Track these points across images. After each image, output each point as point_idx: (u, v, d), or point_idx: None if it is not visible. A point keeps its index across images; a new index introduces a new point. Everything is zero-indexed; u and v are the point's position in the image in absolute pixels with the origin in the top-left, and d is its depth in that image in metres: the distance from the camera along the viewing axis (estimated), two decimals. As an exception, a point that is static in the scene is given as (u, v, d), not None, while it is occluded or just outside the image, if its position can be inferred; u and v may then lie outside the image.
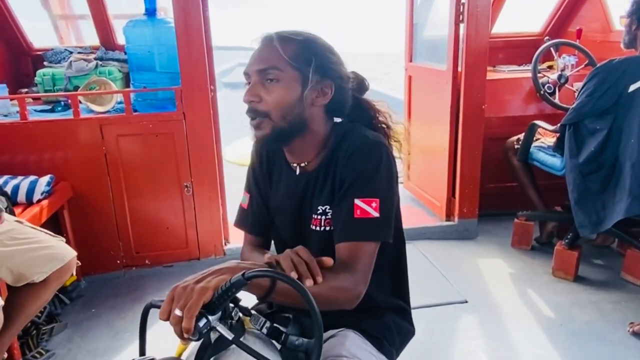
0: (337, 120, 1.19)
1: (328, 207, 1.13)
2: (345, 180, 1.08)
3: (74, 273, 2.03)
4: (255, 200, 1.28)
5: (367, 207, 1.04)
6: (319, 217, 1.14)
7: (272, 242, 1.34)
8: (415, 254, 2.95)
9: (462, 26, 2.85)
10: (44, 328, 2.25)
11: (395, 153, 1.19)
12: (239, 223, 1.32)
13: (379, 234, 1.06)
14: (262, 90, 1.07)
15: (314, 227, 1.16)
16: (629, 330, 2.19)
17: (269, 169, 1.26)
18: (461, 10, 2.82)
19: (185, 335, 0.80)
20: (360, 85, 1.23)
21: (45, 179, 2.37)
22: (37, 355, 2.12)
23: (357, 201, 1.05)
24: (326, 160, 1.15)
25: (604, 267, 2.78)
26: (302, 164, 1.19)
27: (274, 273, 0.84)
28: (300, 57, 1.07)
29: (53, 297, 2.24)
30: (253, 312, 0.92)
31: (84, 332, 2.33)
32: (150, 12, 2.67)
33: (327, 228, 1.14)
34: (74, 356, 2.16)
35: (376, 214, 1.04)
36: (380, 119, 1.24)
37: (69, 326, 2.36)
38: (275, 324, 0.93)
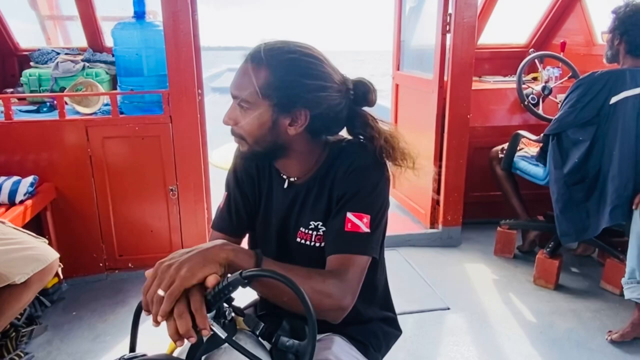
0: (330, 137, 1.16)
1: (321, 223, 1.13)
2: (343, 196, 1.08)
3: (60, 275, 2.01)
4: (234, 201, 1.22)
5: (358, 222, 1.05)
6: (310, 232, 1.14)
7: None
8: (399, 260, 2.96)
9: (448, 36, 2.89)
10: (23, 330, 2.21)
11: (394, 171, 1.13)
12: (218, 228, 1.23)
13: (368, 249, 1.05)
14: (238, 115, 1.06)
15: (300, 240, 1.15)
16: (607, 339, 2.22)
17: (258, 176, 1.22)
18: (448, 20, 2.86)
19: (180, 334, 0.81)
20: (364, 96, 1.12)
21: (29, 179, 2.35)
22: (16, 358, 2.09)
23: (349, 214, 1.05)
24: (320, 175, 1.14)
25: (584, 276, 2.82)
26: (292, 178, 1.17)
27: (273, 273, 0.82)
28: (271, 86, 1.02)
29: (33, 300, 2.21)
30: (247, 312, 0.93)
31: (64, 334, 2.30)
32: (139, 14, 2.66)
33: (317, 244, 1.13)
34: (53, 359, 2.14)
35: (366, 229, 1.04)
36: (382, 142, 1.11)
37: (49, 329, 2.33)
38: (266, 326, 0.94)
